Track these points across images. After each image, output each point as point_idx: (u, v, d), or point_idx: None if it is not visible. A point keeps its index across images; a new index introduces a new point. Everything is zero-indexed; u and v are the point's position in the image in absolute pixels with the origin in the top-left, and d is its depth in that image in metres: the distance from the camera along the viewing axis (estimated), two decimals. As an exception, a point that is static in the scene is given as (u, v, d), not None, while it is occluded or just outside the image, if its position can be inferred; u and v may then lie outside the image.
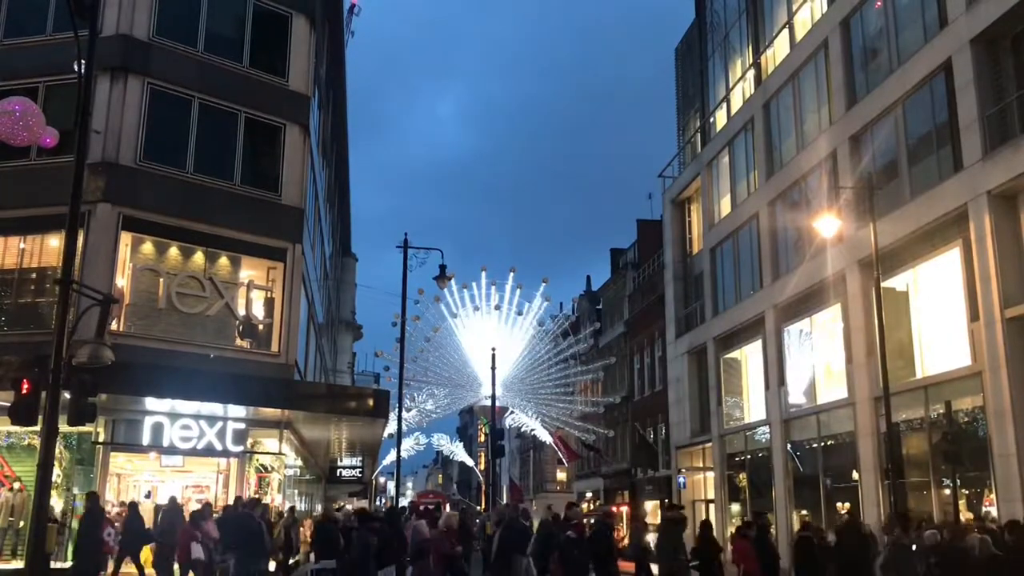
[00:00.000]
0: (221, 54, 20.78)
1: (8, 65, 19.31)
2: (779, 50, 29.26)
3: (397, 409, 28.47)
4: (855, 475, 22.79)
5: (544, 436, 47.30)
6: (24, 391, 11.33)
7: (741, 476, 30.71)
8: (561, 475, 63.79)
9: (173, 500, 17.32)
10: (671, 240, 38.14)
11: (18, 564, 15.46)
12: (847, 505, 22.97)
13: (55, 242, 18.15)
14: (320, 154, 27.30)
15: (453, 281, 37.96)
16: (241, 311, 20.09)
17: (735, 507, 30.47)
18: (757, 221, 29.48)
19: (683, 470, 35.32)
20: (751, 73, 31.36)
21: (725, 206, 32.99)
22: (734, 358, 31.74)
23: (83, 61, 11.66)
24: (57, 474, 16.62)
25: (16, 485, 17.69)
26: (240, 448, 18.92)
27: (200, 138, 19.95)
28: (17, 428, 14.11)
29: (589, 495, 53.53)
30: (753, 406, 29.95)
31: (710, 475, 33.30)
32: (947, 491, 18.97)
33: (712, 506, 32.58)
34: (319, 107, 26.03)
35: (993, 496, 17.77)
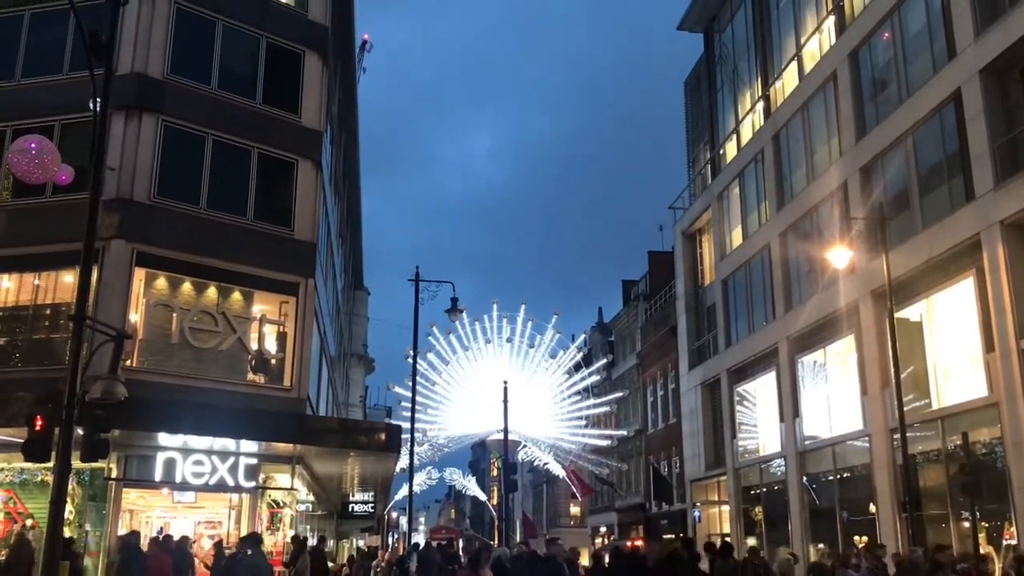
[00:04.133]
0: (234, 91, 20.96)
1: (25, 104, 19.57)
2: (788, 82, 29.39)
3: (409, 444, 28.32)
4: (872, 508, 22.52)
5: (557, 470, 47.01)
6: (38, 427, 11.36)
7: (757, 509, 30.39)
8: (575, 509, 63.27)
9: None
10: (683, 271, 38.11)
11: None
12: (864, 538, 22.68)
13: (69, 278, 18.23)
14: (332, 189, 27.46)
15: (465, 315, 38.01)
16: (254, 345, 20.10)
17: (751, 541, 30.10)
18: (769, 252, 29.43)
19: (698, 504, 35.00)
20: (760, 105, 31.48)
21: (736, 237, 32.97)
22: (748, 390, 31.55)
23: (98, 99, 11.82)
24: (69, 510, 16.56)
25: (29, 522, 17.63)
26: (252, 483, 18.84)
27: (213, 174, 20.06)
28: (30, 464, 14.09)
29: (603, 529, 53.06)
30: (768, 438, 29.71)
31: (725, 508, 32.97)
32: (966, 523, 18.70)
33: (728, 540, 32.19)
34: (331, 143, 26.23)
35: (1014, 529, 17.53)
